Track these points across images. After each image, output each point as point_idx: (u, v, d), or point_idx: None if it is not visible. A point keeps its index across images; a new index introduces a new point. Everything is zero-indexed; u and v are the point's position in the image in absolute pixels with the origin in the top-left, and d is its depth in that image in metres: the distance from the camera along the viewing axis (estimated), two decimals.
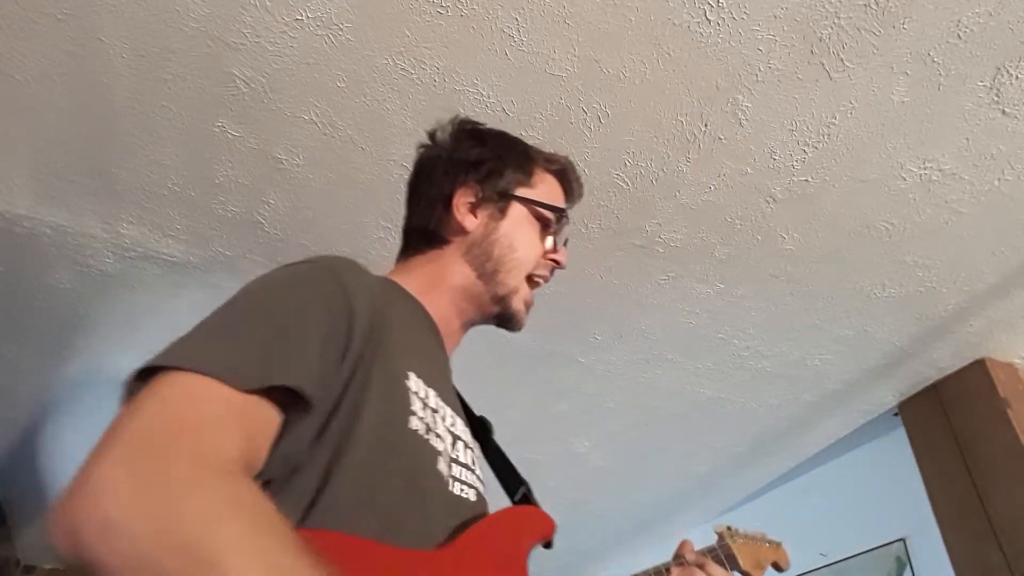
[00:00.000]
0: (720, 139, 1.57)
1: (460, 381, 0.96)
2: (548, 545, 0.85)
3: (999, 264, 1.88)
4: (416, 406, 0.74)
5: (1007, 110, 1.49)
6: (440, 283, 0.93)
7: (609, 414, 2.58)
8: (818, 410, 2.54)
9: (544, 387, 2.43)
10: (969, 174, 1.63)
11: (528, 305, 0.98)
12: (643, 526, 3.34)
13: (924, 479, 2.30)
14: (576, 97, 1.49)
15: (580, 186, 1.06)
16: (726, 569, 0.99)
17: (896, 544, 2.52)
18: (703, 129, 1.55)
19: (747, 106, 1.49)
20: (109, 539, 0.46)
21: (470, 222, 0.93)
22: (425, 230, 0.96)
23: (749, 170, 1.64)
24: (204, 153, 1.64)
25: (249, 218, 1.82)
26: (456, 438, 0.81)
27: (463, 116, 1.03)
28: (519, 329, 0.99)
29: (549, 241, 0.98)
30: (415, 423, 0.73)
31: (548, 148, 1.58)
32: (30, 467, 3.09)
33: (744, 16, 1.33)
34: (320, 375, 0.64)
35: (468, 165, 0.96)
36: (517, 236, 0.94)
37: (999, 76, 1.42)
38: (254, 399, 0.58)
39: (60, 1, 1.33)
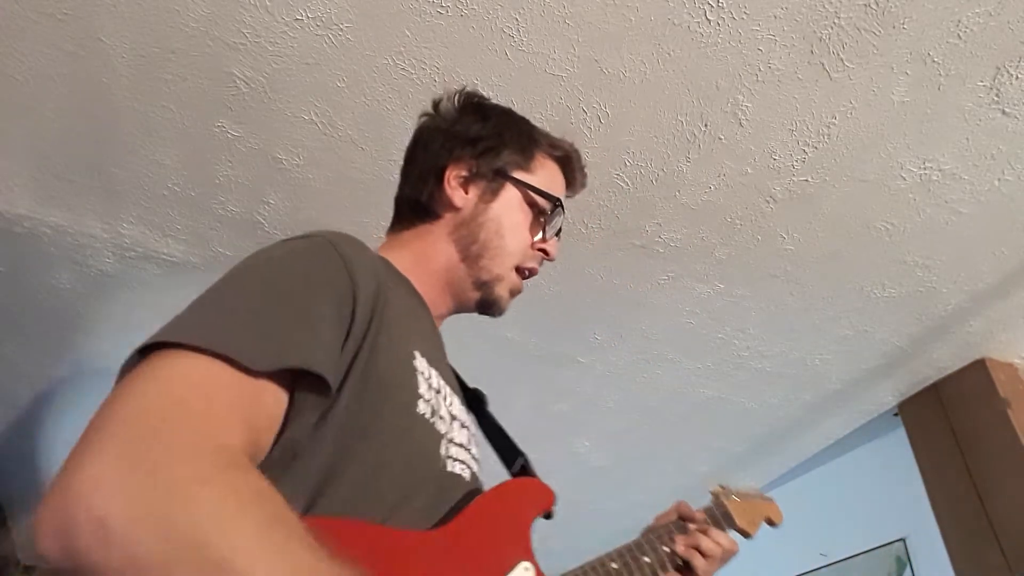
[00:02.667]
0: (720, 139, 1.57)
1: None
2: (548, 516, 0.84)
3: (999, 264, 1.88)
4: (423, 388, 0.73)
5: (1007, 110, 1.49)
6: (426, 262, 0.89)
7: (609, 414, 2.58)
8: (818, 410, 2.54)
9: (544, 387, 2.43)
10: (969, 174, 1.63)
11: (514, 293, 0.93)
12: (643, 526, 3.33)
13: (924, 479, 2.30)
14: (576, 97, 1.49)
15: (583, 176, 1.02)
16: (723, 529, 1.00)
17: (896, 544, 2.52)
18: (703, 129, 1.55)
19: (747, 106, 1.49)
20: (107, 543, 0.42)
21: (459, 197, 0.90)
22: (416, 202, 0.92)
23: (749, 170, 1.64)
24: (204, 153, 1.64)
25: (249, 218, 1.82)
26: (453, 418, 0.79)
27: (470, 88, 0.98)
28: (499, 315, 0.94)
29: (538, 228, 0.93)
30: (422, 407, 0.71)
31: None
32: (30, 467, 3.09)
33: (744, 16, 1.33)
34: (335, 356, 0.61)
35: (466, 139, 0.92)
36: (506, 221, 0.90)
37: (999, 76, 1.42)
38: (263, 382, 0.55)
39: (60, 1, 1.33)
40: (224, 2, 1.33)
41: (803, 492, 2.98)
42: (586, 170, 1.03)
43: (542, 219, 0.93)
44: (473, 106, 0.96)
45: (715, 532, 0.96)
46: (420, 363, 0.74)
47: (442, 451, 0.74)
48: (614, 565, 0.88)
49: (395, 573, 0.63)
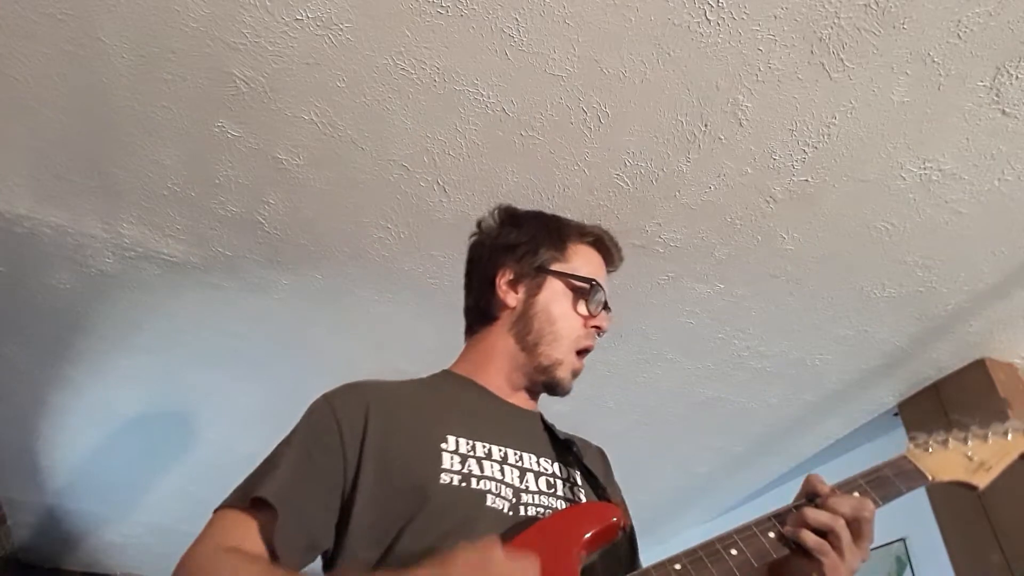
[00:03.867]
0: (720, 139, 1.57)
1: None
2: (623, 530, 0.88)
3: (999, 264, 1.88)
4: (448, 463, 0.88)
5: (1007, 110, 1.49)
6: (488, 359, 1.05)
7: (609, 414, 2.58)
8: (818, 410, 2.53)
9: None
10: (969, 174, 1.63)
11: (576, 374, 1.06)
12: (643, 526, 3.32)
13: None
14: (576, 97, 1.49)
15: (618, 249, 1.14)
16: (898, 494, 0.88)
17: (896, 544, 2.52)
18: (703, 129, 1.55)
19: (747, 106, 1.49)
20: None
21: (511, 298, 1.05)
22: (477, 309, 1.09)
23: (749, 170, 1.64)
24: (204, 153, 1.64)
25: (249, 218, 1.82)
26: (526, 471, 0.93)
27: (504, 204, 1.14)
28: (564, 395, 1.06)
29: (584, 308, 1.05)
30: (446, 478, 0.86)
31: (548, 148, 1.60)
32: (30, 467, 3.09)
33: (744, 16, 1.33)
34: (290, 484, 0.84)
35: (507, 248, 1.07)
36: (554, 309, 1.04)
37: (999, 76, 1.42)
38: (247, 515, 0.84)
39: (60, 1, 1.33)
40: (224, 2, 1.33)
41: None
42: (619, 243, 1.14)
43: (585, 298, 1.06)
44: (508, 218, 1.12)
45: (834, 500, 0.83)
46: (451, 443, 0.90)
47: (495, 503, 0.87)
48: (676, 567, 0.79)
49: None
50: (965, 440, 0.92)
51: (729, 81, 1.44)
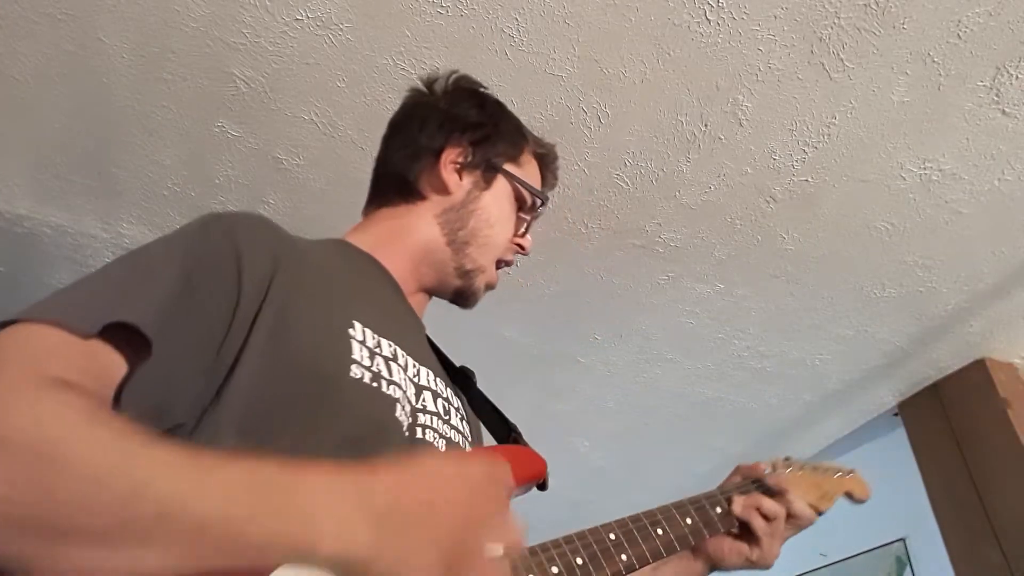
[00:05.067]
0: (720, 139, 1.57)
1: None
2: (542, 487, 0.82)
3: (999, 264, 1.88)
4: (358, 354, 0.69)
5: (1007, 110, 1.49)
6: (402, 238, 0.88)
7: (609, 414, 2.58)
8: (818, 410, 2.54)
9: (544, 387, 2.43)
10: (969, 174, 1.63)
11: (490, 287, 0.93)
12: None
13: (924, 479, 2.30)
14: (576, 97, 1.49)
15: (555, 178, 1.03)
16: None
17: (896, 544, 2.52)
18: (703, 129, 1.55)
19: (747, 106, 1.49)
20: None
21: (454, 183, 0.89)
22: (403, 179, 0.91)
23: (749, 170, 1.64)
24: (204, 153, 1.64)
25: None
26: (422, 388, 0.77)
27: (462, 73, 0.98)
28: (471, 307, 0.94)
29: (520, 222, 0.94)
30: (356, 371, 0.67)
31: None
32: None
33: (744, 16, 1.33)
34: (168, 315, 0.57)
35: (465, 124, 0.91)
36: (495, 213, 0.90)
37: (999, 76, 1.42)
38: (95, 343, 0.53)
39: (60, 1, 1.33)
40: (224, 2, 1.33)
41: None
42: (558, 174, 1.05)
43: (526, 214, 0.95)
44: (469, 91, 0.96)
45: (788, 498, 0.91)
46: (359, 331, 0.71)
47: (400, 417, 0.71)
48: (612, 536, 0.79)
49: None
50: (814, 469, 1.02)
51: (729, 81, 1.44)
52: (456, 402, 0.85)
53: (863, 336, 2.15)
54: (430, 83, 0.96)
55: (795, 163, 1.62)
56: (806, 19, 1.33)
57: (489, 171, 0.91)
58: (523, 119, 1.58)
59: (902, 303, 2.02)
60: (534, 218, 0.96)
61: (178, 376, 0.57)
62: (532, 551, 0.71)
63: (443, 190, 0.89)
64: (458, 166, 0.90)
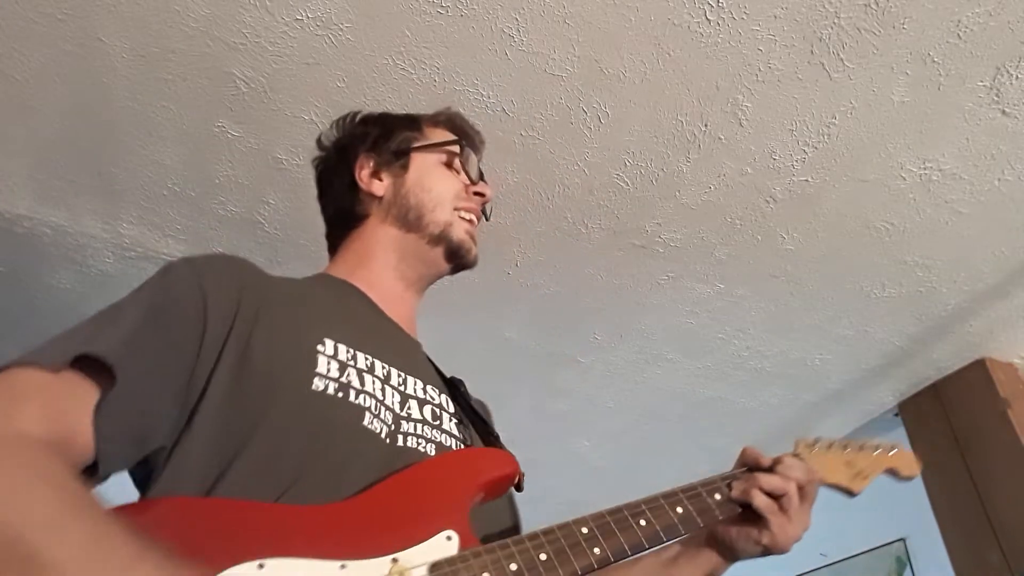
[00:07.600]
0: (720, 139, 1.57)
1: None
2: (518, 488, 0.83)
3: (999, 264, 1.88)
4: (323, 368, 0.73)
5: (1007, 110, 1.49)
6: (369, 256, 0.95)
7: (609, 414, 2.58)
8: (818, 410, 2.54)
9: (544, 387, 2.43)
10: (969, 174, 1.63)
11: (471, 235, 0.97)
12: None
13: (924, 479, 2.30)
14: (576, 97, 1.49)
15: (475, 131, 1.07)
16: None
17: (896, 544, 2.52)
18: (703, 129, 1.55)
19: (747, 106, 1.49)
20: None
21: (377, 187, 0.97)
22: (345, 212, 0.98)
23: (749, 170, 1.64)
24: (204, 153, 1.64)
25: (249, 218, 1.82)
26: (408, 396, 0.81)
27: (339, 116, 1.07)
28: (473, 262, 0.98)
29: (462, 175, 0.99)
30: (319, 383, 0.72)
31: (548, 148, 1.60)
32: None
33: (744, 16, 1.33)
34: (133, 347, 0.63)
35: (357, 140, 1.00)
36: (426, 179, 0.97)
37: (999, 76, 1.42)
38: (64, 375, 0.59)
39: (60, 1, 1.33)
40: (224, 2, 1.33)
41: None
42: (477, 127, 1.08)
43: (456, 165, 1.00)
44: (350, 119, 1.05)
45: (786, 465, 0.83)
46: (328, 347, 0.76)
47: (373, 425, 0.73)
48: (584, 530, 0.74)
49: (240, 544, 0.59)
50: (845, 448, 0.95)
51: (729, 81, 1.44)
52: (452, 408, 0.88)
53: (863, 336, 2.15)
54: (319, 141, 1.05)
55: (795, 163, 1.62)
56: (806, 19, 1.33)
57: (400, 157, 0.98)
58: (523, 119, 1.59)
59: (902, 303, 2.02)
60: (466, 162, 1.00)
61: (149, 401, 0.63)
62: (489, 549, 0.67)
63: (375, 197, 0.97)
64: (372, 171, 0.98)
